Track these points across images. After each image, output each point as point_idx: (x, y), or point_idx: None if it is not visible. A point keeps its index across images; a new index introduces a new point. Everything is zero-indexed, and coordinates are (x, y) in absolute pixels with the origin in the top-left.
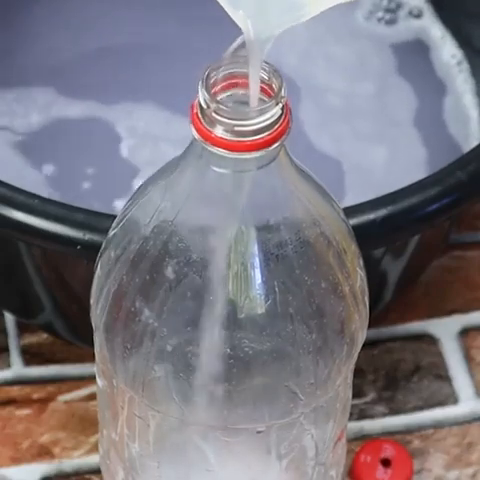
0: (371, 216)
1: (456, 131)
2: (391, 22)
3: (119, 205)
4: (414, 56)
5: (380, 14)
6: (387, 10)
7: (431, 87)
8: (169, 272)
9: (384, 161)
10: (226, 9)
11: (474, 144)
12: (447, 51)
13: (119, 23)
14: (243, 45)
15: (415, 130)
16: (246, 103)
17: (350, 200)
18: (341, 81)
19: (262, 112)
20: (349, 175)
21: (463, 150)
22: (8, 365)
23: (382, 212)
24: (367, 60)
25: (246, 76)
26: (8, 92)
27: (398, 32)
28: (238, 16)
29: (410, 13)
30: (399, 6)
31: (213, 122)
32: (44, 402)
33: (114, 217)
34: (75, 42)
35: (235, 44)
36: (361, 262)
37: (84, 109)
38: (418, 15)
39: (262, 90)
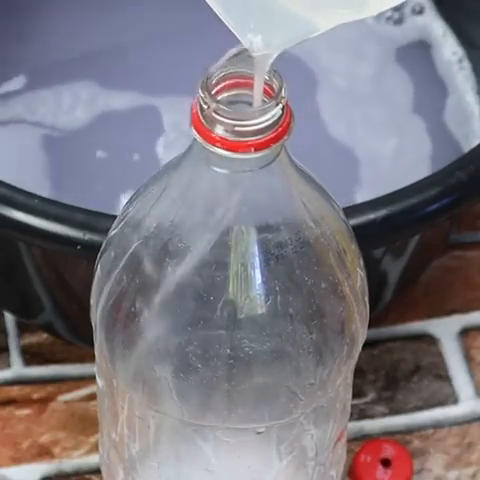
0: (371, 216)
1: (457, 129)
2: (398, 21)
3: None
4: (415, 54)
5: (388, 13)
6: (394, 9)
7: (432, 85)
8: (169, 272)
9: (394, 151)
10: (231, 29)
11: (475, 142)
12: (448, 49)
13: (153, 18)
14: (240, 53)
15: (418, 126)
16: (246, 103)
17: (363, 190)
18: (344, 77)
19: (262, 112)
20: (362, 163)
21: (464, 148)
22: (8, 365)
23: (382, 212)
24: (368, 56)
25: (246, 76)
26: (48, 90)
27: (401, 30)
28: (243, 35)
29: (413, 10)
30: (403, 3)
31: (213, 122)
32: (44, 402)
33: (114, 217)
34: (108, 35)
35: (231, 52)
36: (361, 262)
37: (128, 100)
38: (420, 12)
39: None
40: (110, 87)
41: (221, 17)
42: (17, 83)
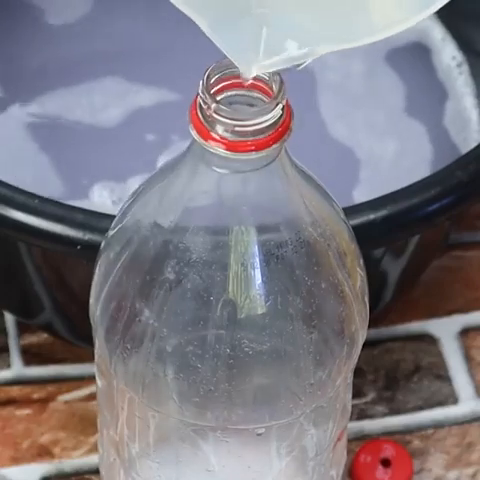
0: (371, 216)
1: (456, 132)
2: None
3: None
4: (414, 58)
5: None
6: None
7: (432, 89)
8: (169, 272)
9: (393, 154)
10: (226, 53)
11: (474, 145)
12: (447, 53)
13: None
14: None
15: (418, 130)
16: (246, 103)
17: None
18: (342, 79)
19: (262, 112)
20: (362, 164)
21: (462, 151)
22: (8, 365)
23: (382, 212)
24: (367, 59)
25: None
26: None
27: (400, 34)
28: (241, 62)
29: None
30: None
31: (213, 122)
32: (44, 402)
33: (114, 217)
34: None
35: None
36: (361, 262)
37: (157, 95)
38: None
39: (262, 90)
40: (138, 83)
41: (220, 46)
42: (49, 82)
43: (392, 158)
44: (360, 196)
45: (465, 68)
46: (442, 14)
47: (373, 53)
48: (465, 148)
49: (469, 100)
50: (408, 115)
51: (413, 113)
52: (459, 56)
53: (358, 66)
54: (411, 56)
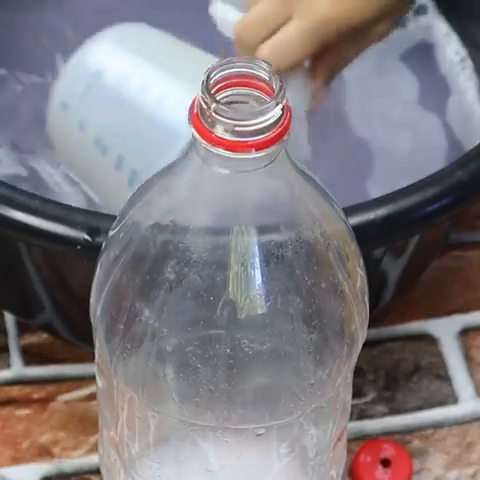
0: (371, 216)
1: (459, 127)
2: (401, 23)
3: None
4: (418, 53)
5: None
6: None
7: (435, 84)
8: (169, 272)
9: (394, 146)
10: None
11: (477, 141)
12: (451, 48)
13: None
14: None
15: (419, 124)
16: (247, 103)
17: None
18: (349, 75)
19: (262, 112)
20: (378, 154)
21: (465, 146)
22: (8, 365)
23: (382, 212)
24: (373, 55)
25: (246, 76)
26: None
27: (405, 30)
28: None
29: (416, 10)
30: None
31: (213, 122)
32: (44, 402)
33: (114, 217)
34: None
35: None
36: (361, 262)
37: None
38: (423, 12)
39: (263, 90)
40: None
41: None
42: None
43: (407, 150)
44: (374, 188)
45: (468, 63)
46: (446, 10)
47: (386, 52)
48: (469, 143)
49: (472, 95)
50: (411, 109)
51: (426, 107)
52: (462, 51)
53: (373, 64)
54: (415, 52)
